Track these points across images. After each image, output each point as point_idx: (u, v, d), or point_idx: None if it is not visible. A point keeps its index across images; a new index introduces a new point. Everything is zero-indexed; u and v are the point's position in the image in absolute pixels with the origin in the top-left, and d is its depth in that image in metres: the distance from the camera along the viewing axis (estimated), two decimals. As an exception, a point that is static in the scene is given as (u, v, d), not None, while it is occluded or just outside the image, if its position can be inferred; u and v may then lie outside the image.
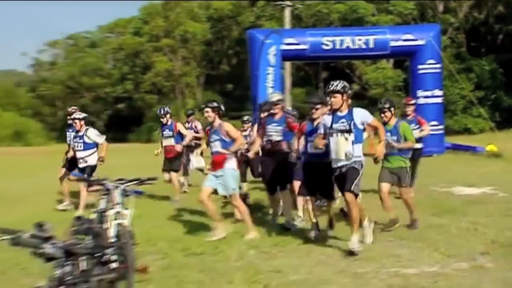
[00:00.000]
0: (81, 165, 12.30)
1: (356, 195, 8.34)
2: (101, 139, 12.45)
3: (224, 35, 60.33)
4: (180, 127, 13.87)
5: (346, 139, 8.21)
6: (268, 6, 50.72)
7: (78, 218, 4.45)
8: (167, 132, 13.77)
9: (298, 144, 9.77)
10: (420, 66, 23.22)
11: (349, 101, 8.49)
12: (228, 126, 9.61)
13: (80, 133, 12.31)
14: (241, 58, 53.93)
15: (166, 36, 60.37)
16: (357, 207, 8.34)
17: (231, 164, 9.48)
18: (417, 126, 12.45)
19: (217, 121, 9.58)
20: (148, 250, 8.56)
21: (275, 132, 10.15)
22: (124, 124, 61.54)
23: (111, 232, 6.89)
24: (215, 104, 9.69)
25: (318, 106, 9.39)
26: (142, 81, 60.88)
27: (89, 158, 12.26)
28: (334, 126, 8.29)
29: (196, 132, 15.55)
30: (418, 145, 12.36)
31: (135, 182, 8.00)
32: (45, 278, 3.70)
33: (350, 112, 8.33)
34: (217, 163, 9.50)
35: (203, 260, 8.19)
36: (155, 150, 14.45)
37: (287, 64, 29.79)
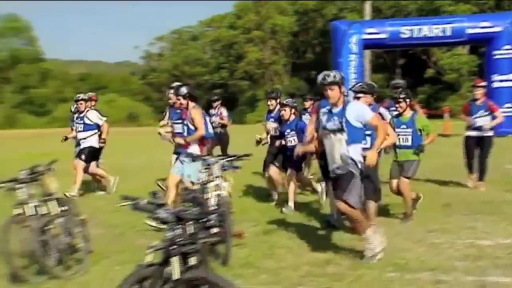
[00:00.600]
0: (82, 145, 11.36)
1: (350, 204, 6.46)
2: (101, 121, 11.53)
3: (309, 26, 60.03)
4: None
5: (340, 140, 6.52)
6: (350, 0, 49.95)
7: (186, 188, 4.57)
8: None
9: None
10: (496, 52, 22.55)
11: (346, 96, 6.89)
12: (195, 113, 8.60)
13: (82, 114, 11.48)
14: (324, 47, 53.51)
15: (257, 29, 60.74)
16: (354, 215, 6.54)
17: (193, 150, 8.55)
18: (487, 113, 11.04)
19: (190, 106, 8.65)
20: (243, 218, 8.67)
21: None
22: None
23: (212, 201, 7.02)
24: (184, 91, 8.67)
25: (360, 95, 7.60)
26: (235, 69, 61.59)
27: (89, 139, 11.37)
28: (328, 125, 6.64)
29: (221, 118, 13.83)
30: (489, 133, 11.15)
31: (232, 158, 8.13)
32: (159, 239, 3.81)
33: (343, 108, 6.55)
34: (182, 147, 8.73)
35: (291, 228, 8.23)
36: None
37: (367, 52, 29.26)
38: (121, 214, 8.63)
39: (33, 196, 6.59)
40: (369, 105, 7.52)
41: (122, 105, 61.51)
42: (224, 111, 13.92)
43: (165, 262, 3.71)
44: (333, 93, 6.55)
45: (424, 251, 6.92)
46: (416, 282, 5.84)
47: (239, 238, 6.98)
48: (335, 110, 6.61)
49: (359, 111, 6.59)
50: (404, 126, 8.70)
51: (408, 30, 22.34)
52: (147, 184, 12.21)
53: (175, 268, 3.62)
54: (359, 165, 6.55)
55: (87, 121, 11.33)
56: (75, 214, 7.03)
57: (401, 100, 8.80)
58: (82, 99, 11.55)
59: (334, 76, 6.55)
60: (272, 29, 59.96)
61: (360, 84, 8.19)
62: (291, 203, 9.66)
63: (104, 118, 11.63)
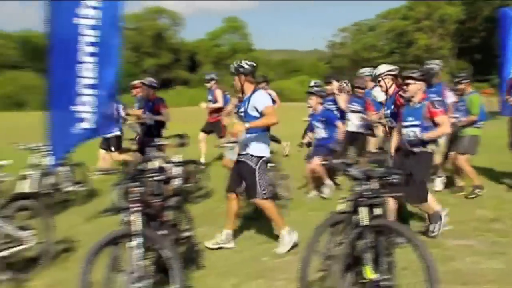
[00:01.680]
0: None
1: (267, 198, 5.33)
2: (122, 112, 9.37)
3: (476, 14, 55.03)
4: (218, 94, 10.51)
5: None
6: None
7: (371, 152, 4.46)
8: (209, 97, 10.77)
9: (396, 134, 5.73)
10: None
11: (256, 84, 5.49)
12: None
13: None
14: (489, 33, 48.68)
15: (426, 18, 57.41)
16: (271, 210, 5.39)
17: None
18: None
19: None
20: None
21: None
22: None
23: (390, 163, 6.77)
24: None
25: (410, 81, 5.45)
26: (406, 54, 59.02)
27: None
28: (239, 110, 5.50)
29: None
30: None
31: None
32: (350, 192, 3.78)
33: (249, 97, 5.32)
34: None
35: (456, 188, 7.69)
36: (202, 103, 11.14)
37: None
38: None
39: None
40: (424, 92, 5.51)
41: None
42: (272, 93, 10.70)
43: (354, 211, 3.69)
44: (234, 83, 5.44)
45: None
46: None
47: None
48: (244, 98, 5.43)
49: (258, 99, 5.28)
50: (462, 104, 7.57)
51: None
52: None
53: (363, 216, 3.58)
54: (259, 155, 5.29)
55: None
56: (279, 170, 7.29)
57: (459, 81, 7.66)
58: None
59: (231, 67, 5.42)
60: (441, 18, 56.23)
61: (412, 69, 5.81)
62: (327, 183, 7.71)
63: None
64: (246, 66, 5.37)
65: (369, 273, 3.44)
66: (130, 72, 56.18)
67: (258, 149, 5.31)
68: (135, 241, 3.59)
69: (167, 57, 64.81)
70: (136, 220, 3.64)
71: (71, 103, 5.29)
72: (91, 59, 5.28)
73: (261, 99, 5.28)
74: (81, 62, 5.27)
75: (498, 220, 6.06)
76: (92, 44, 5.23)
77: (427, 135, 5.36)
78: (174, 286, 3.54)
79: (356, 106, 8.28)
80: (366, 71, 8.63)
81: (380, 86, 6.07)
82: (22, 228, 4.70)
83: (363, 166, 3.86)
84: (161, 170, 4.36)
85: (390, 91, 5.93)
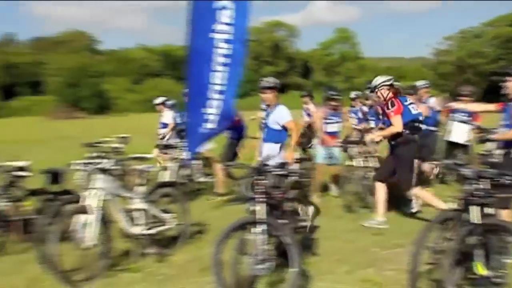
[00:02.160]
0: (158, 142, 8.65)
1: None
2: (169, 120, 9.09)
3: None
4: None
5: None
6: None
7: (482, 154, 4.13)
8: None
9: None
10: None
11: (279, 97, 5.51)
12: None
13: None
14: None
15: (535, 23, 51.92)
16: None
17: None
18: None
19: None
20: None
21: None
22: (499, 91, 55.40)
23: None
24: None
25: (507, 77, 4.79)
26: (514, 60, 53.91)
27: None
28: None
29: (309, 114, 8.49)
30: None
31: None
32: (458, 191, 3.53)
33: (272, 111, 5.46)
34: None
35: None
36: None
37: None
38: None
39: (358, 153, 6.80)
40: None
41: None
42: (312, 107, 8.42)
43: (465, 209, 3.45)
44: (266, 96, 5.52)
45: None
46: None
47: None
48: (268, 111, 5.57)
49: (278, 114, 5.41)
50: None
51: None
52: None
53: (474, 214, 3.33)
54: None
55: (162, 120, 9.34)
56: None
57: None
58: (157, 104, 9.81)
59: (268, 82, 5.52)
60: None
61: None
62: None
63: (172, 119, 9.07)
64: (278, 82, 5.59)
65: (481, 269, 3.20)
66: (250, 78, 57.95)
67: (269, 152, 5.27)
68: (259, 228, 3.67)
69: (283, 65, 65.83)
70: (261, 209, 3.72)
71: (202, 106, 5.53)
72: (222, 68, 5.47)
73: (282, 114, 5.42)
74: (214, 71, 5.49)
75: None
76: (224, 55, 5.43)
77: (495, 136, 4.78)
78: (292, 269, 3.57)
79: (462, 116, 7.40)
80: (423, 82, 8.26)
81: (378, 97, 5.81)
82: (165, 211, 5.02)
83: (474, 166, 3.60)
84: (282, 165, 4.41)
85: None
